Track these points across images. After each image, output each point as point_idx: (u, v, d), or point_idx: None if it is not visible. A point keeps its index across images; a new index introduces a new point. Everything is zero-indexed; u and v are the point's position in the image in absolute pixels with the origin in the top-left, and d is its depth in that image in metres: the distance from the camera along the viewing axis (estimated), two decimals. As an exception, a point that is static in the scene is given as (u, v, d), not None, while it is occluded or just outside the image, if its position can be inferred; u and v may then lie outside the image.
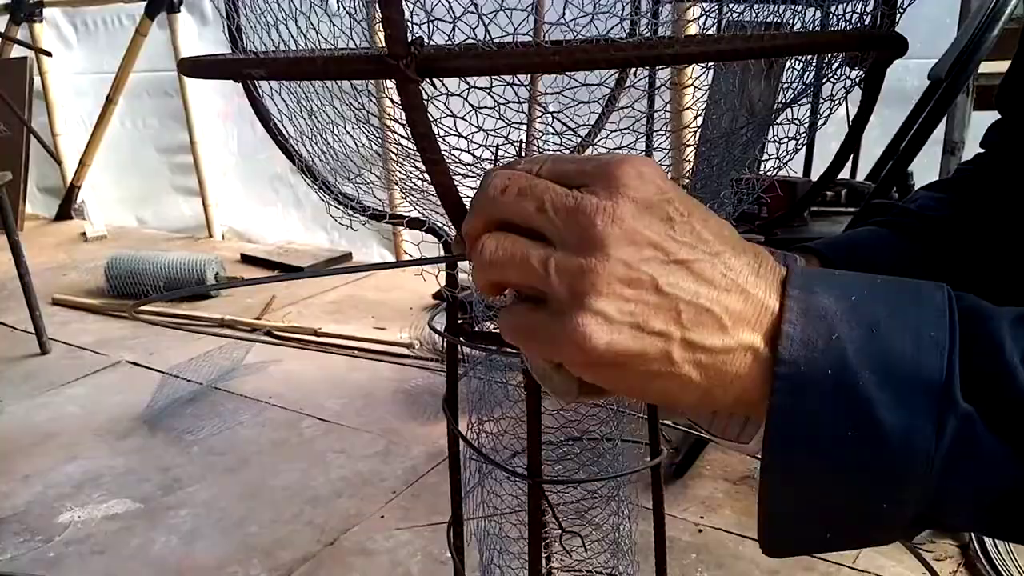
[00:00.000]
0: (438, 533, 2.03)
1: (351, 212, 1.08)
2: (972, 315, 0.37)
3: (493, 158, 0.78)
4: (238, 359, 3.04)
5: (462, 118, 0.70)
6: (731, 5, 0.85)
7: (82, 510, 2.23)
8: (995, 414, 0.35)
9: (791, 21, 0.76)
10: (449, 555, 1.97)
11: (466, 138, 0.74)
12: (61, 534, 2.13)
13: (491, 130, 0.71)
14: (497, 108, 0.72)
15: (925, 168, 2.07)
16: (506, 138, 0.72)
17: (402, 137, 0.80)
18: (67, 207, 5.64)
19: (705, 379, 0.38)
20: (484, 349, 1.01)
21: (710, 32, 0.81)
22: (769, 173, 0.91)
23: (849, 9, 0.72)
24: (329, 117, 0.88)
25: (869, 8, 0.72)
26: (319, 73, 0.59)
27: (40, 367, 3.19)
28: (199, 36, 4.79)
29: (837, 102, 0.79)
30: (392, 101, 0.70)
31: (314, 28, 0.75)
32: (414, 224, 1.06)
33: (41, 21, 5.35)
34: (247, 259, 4.49)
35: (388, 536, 2.04)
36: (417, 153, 0.80)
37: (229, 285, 3.35)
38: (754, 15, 0.81)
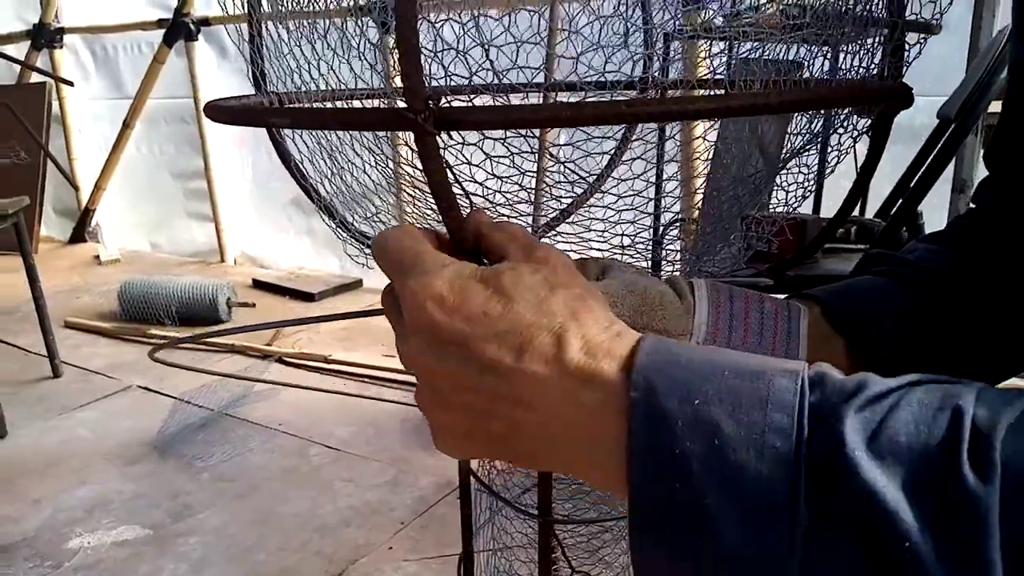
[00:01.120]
0: (447, 566, 2.03)
1: (367, 251, 1.10)
2: (822, 408, 0.35)
3: (506, 203, 0.80)
4: (248, 386, 3.06)
5: (477, 165, 0.72)
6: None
7: (92, 536, 2.23)
8: (841, 516, 0.34)
9: (803, 59, 0.77)
10: (457, 587, 1.97)
11: (480, 183, 0.76)
12: (70, 560, 2.14)
13: (504, 177, 0.73)
14: (510, 156, 0.74)
15: (934, 207, 2.09)
16: (520, 184, 0.74)
17: (417, 180, 0.82)
18: (81, 230, 5.70)
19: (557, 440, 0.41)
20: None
21: (720, 70, 0.83)
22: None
23: (859, 55, 0.74)
24: (348, 159, 0.90)
25: (877, 60, 0.74)
26: (341, 124, 0.61)
27: (52, 390, 3.21)
28: (218, 67, 4.85)
29: (844, 152, 0.80)
30: (409, 148, 0.72)
31: (335, 72, 0.77)
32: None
33: (61, 47, 5.44)
34: (259, 284, 4.53)
35: (396, 568, 2.04)
36: (431, 197, 0.82)
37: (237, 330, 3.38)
38: (764, 52, 0.83)
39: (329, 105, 0.86)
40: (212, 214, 5.10)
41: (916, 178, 1.81)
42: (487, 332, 0.41)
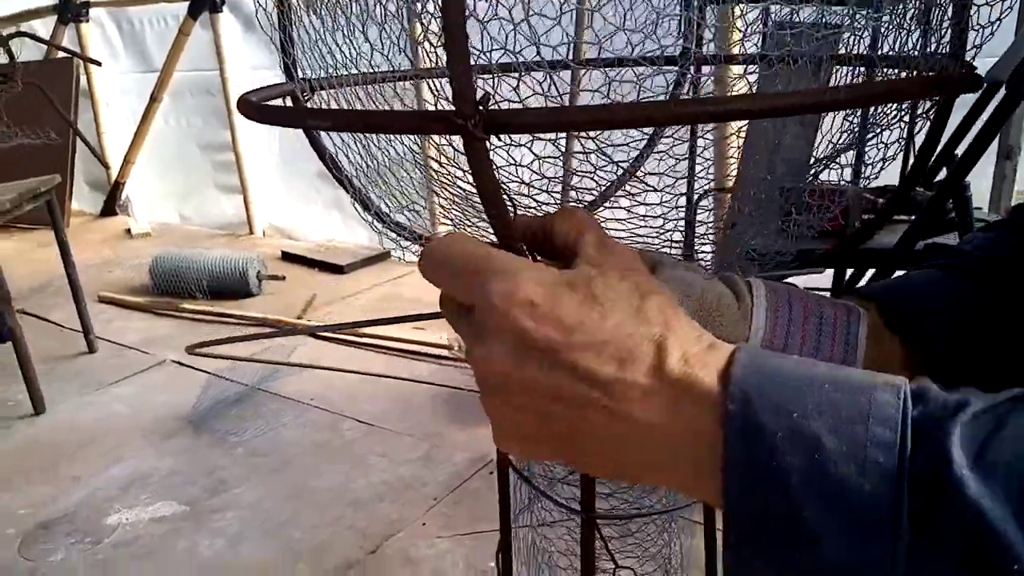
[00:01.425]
0: (480, 542, 2.03)
1: (403, 240, 1.07)
2: (925, 423, 0.35)
3: (555, 203, 0.76)
4: (283, 358, 3.07)
5: (526, 166, 0.69)
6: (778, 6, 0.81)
7: (130, 512, 2.26)
8: (946, 533, 0.33)
9: (843, 20, 0.72)
10: (492, 565, 1.97)
11: (528, 184, 0.73)
12: (110, 536, 2.16)
13: (553, 178, 0.70)
14: (560, 158, 0.71)
15: (975, 174, 2.01)
16: (571, 186, 0.71)
17: (458, 181, 0.79)
18: (112, 203, 5.74)
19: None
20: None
21: (754, 34, 0.78)
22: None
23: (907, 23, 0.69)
24: (388, 158, 0.87)
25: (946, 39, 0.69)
26: (384, 128, 0.58)
27: (87, 366, 3.25)
28: (243, 39, 4.82)
29: (889, 156, 0.76)
30: (455, 150, 0.69)
31: (365, 57, 0.74)
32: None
33: (87, 21, 5.44)
34: (288, 256, 4.53)
35: (430, 544, 2.04)
36: (476, 197, 0.79)
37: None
38: (803, 15, 0.77)
39: (362, 91, 0.83)
40: (240, 186, 5.11)
41: (963, 146, 1.74)
42: (585, 341, 0.39)
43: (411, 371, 3.03)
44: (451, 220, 0.95)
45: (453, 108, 0.45)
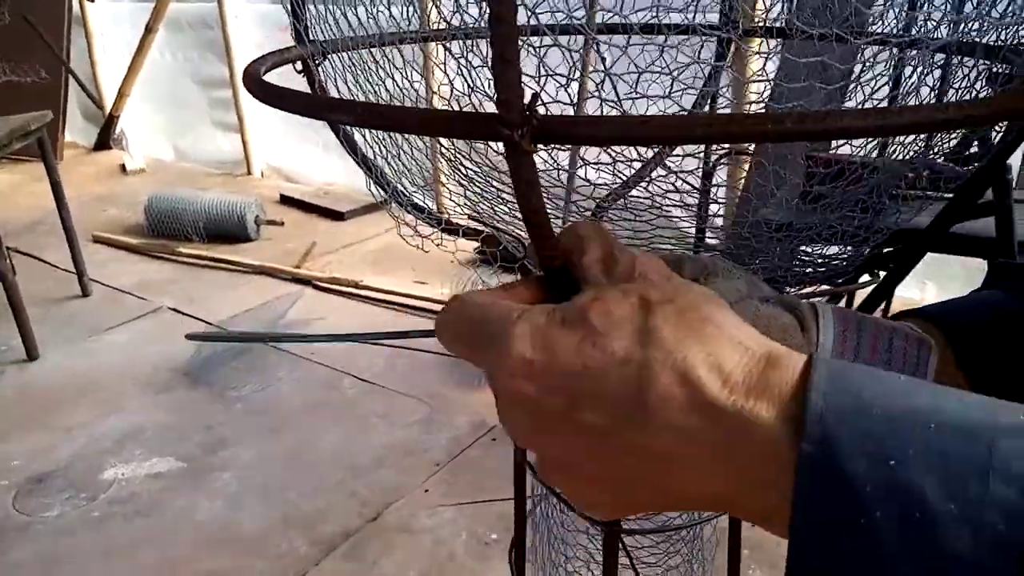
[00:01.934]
0: (482, 511, 2.00)
1: (424, 221, 1.00)
2: None
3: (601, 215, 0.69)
4: (281, 313, 3.01)
5: (579, 174, 0.61)
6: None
7: (125, 467, 2.22)
8: None
9: None
10: (494, 537, 1.94)
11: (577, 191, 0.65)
12: (106, 491, 2.13)
13: (602, 185, 0.63)
14: (614, 165, 0.63)
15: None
16: (620, 195, 0.64)
17: (497, 186, 0.71)
18: (106, 137, 5.60)
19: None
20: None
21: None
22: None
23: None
24: (413, 147, 0.79)
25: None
26: (415, 128, 0.50)
27: (81, 310, 3.18)
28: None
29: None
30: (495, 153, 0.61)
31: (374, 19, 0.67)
32: (491, 242, 0.98)
33: (79, -55, 5.22)
34: (286, 200, 4.43)
35: (431, 513, 2.01)
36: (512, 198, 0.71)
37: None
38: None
39: (378, 53, 0.75)
40: (238, 124, 4.97)
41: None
42: (593, 389, 0.33)
43: (414, 326, 2.97)
44: (479, 214, 0.87)
45: (496, 112, 0.38)
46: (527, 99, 0.37)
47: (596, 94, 0.47)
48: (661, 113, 0.59)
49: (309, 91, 0.90)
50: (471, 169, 0.68)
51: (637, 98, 0.53)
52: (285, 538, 1.94)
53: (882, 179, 0.90)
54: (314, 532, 1.96)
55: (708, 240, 0.93)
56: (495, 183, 0.67)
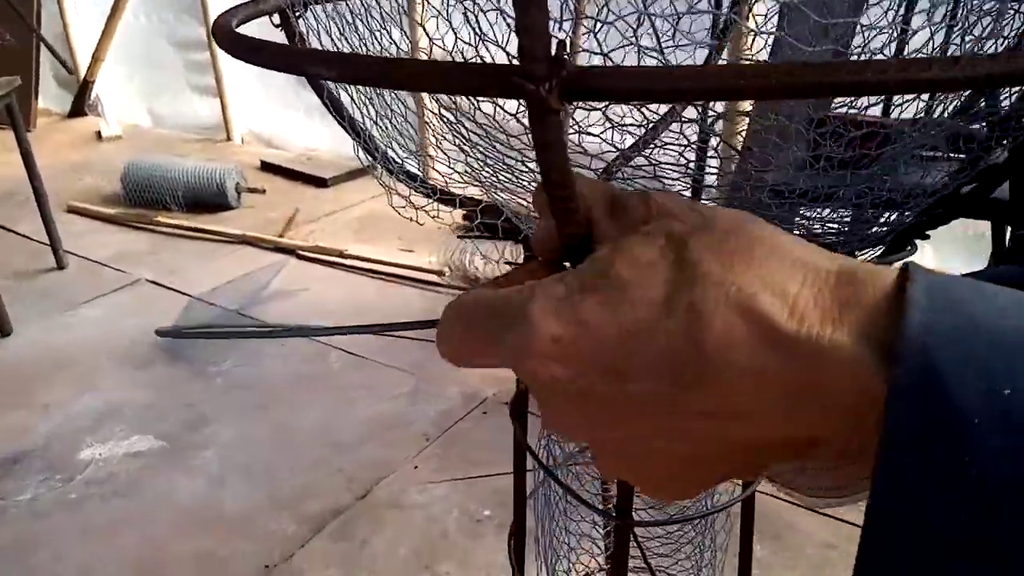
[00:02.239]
0: (474, 488, 1.94)
1: (417, 190, 0.91)
2: None
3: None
4: (263, 284, 2.92)
5: (600, 136, 0.53)
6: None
7: (103, 446, 2.14)
8: None
9: None
10: (487, 513, 1.88)
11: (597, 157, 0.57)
12: (82, 472, 2.05)
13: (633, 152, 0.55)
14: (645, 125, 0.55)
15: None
16: (655, 161, 0.55)
17: (513, 150, 0.63)
18: (81, 103, 5.43)
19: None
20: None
21: None
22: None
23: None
24: (405, 106, 0.71)
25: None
26: (414, 83, 0.41)
27: (56, 283, 3.08)
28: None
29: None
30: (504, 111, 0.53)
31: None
32: (490, 212, 0.90)
33: (47, -99, 5.02)
34: (268, 167, 4.31)
35: (422, 489, 1.95)
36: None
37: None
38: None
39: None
40: (217, 88, 4.82)
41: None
42: (639, 353, 0.28)
43: (401, 298, 2.89)
44: (480, 182, 0.79)
45: (516, 63, 0.30)
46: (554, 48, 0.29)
47: (631, 40, 0.39)
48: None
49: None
50: (474, 132, 0.59)
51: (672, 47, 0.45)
52: (271, 517, 1.88)
53: (914, 141, 0.82)
54: (301, 511, 1.89)
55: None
56: (500, 147, 0.58)
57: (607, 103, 0.53)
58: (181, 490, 1.98)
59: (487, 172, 0.75)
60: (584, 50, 0.46)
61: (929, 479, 0.23)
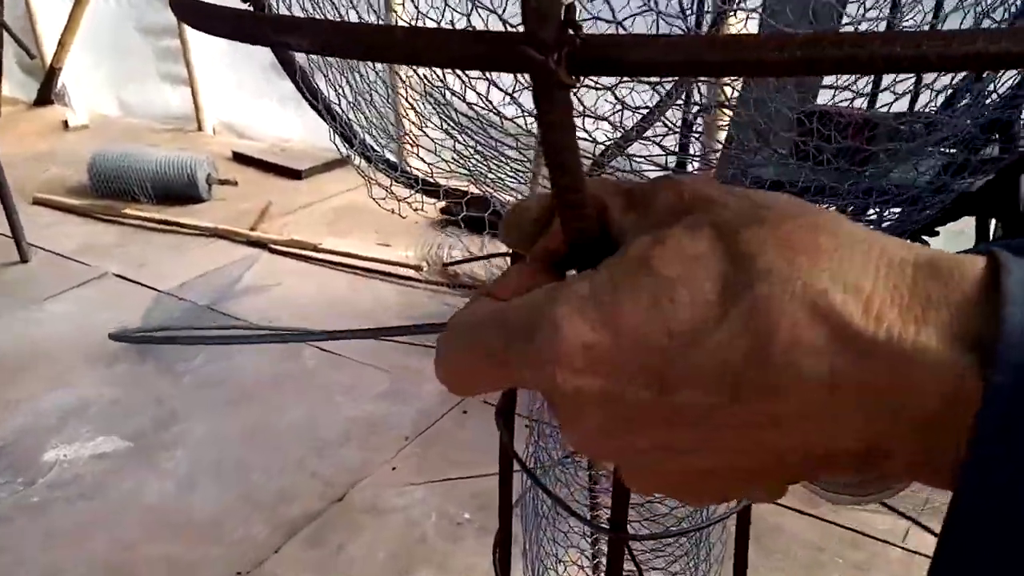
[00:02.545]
0: (455, 490, 1.89)
1: (398, 180, 0.86)
2: None
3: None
4: (235, 278, 2.84)
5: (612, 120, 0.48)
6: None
7: (68, 447, 2.07)
8: None
9: None
10: (467, 516, 1.83)
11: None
12: (45, 475, 1.97)
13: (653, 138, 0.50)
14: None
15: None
16: (666, 149, 0.51)
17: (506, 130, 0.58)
18: (47, 91, 5.28)
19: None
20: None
21: None
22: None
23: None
24: (387, 86, 0.65)
25: None
26: (401, 54, 0.35)
27: (20, 277, 2.98)
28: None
29: None
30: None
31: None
32: (477, 204, 0.84)
33: None
34: (240, 158, 4.22)
35: (400, 492, 1.89)
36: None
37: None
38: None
39: None
40: (187, 76, 4.71)
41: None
42: (688, 359, 0.24)
43: (375, 293, 2.83)
44: (469, 171, 0.73)
45: (522, 30, 0.26)
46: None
47: (648, 4, 0.34)
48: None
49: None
50: (463, 114, 0.54)
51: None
52: (242, 522, 1.81)
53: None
54: (274, 515, 1.83)
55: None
56: (495, 131, 0.53)
57: (621, 80, 0.48)
58: (149, 492, 1.91)
59: (476, 159, 0.69)
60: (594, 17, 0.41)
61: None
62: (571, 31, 0.26)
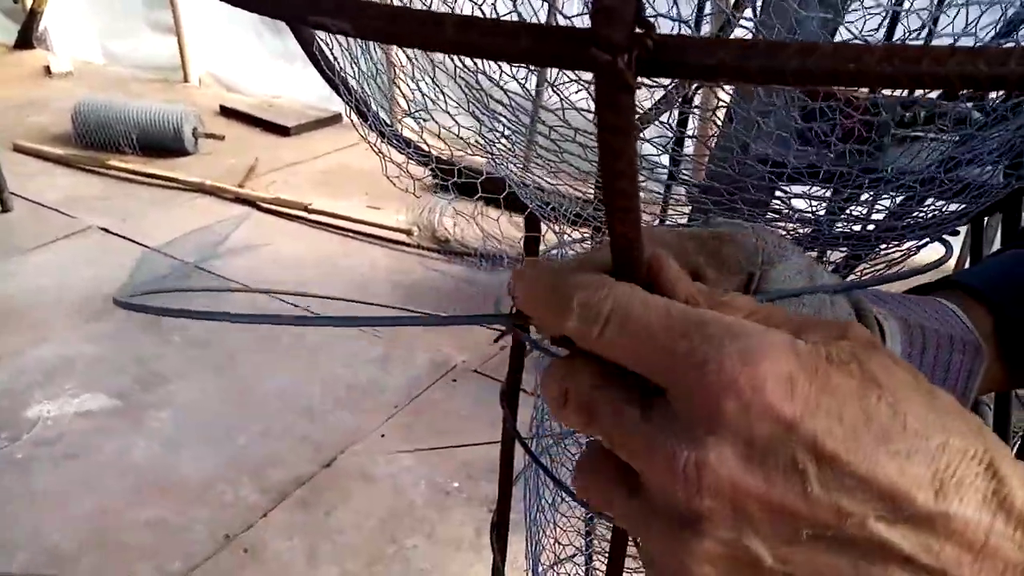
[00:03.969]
0: (443, 459, 1.89)
1: (411, 157, 0.83)
2: None
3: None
4: (223, 236, 2.80)
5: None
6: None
7: (52, 404, 2.04)
8: None
9: None
10: (456, 485, 1.84)
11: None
12: (30, 431, 1.95)
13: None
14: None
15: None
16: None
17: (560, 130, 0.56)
18: (28, 34, 5.15)
19: None
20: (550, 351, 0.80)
21: None
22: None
23: None
24: (416, 66, 0.63)
25: None
26: (449, 45, 0.33)
27: (1, 228, 2.92)
28: None
29: None
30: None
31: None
32: (491, 187, 0.82)
33: None
34: (227, 112, 4.15)
35: (390, 460, 1.89)
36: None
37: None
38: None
39: None
40: (175, 26, 4.60)
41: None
42: (882, 445, 0.24)
43: (366, 256, 2.80)
44: (491, 156, 0.71)
45: (588, 27, 0.24)
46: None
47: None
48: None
49: None
50: (498, 103, 0.52)
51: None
52: (231, 485, 1.80)
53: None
54: (263, 479, 1.82)
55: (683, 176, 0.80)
56: (523, 117, 0.51)
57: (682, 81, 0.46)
58: (136, 453, 1.89)
59: (502, 145, 0.67)
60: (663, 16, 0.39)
61: None
62: (645, 32, 0.24)
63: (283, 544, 1.67)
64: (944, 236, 0.84)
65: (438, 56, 0.65)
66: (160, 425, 1.98)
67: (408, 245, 2.85)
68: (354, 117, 0.79)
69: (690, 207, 0.81)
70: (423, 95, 0.68)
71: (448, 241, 2.80)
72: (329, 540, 1.68)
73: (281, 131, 3.93)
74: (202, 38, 4.62)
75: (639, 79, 0.27)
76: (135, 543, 1.65)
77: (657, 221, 0.84)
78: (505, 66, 0.51)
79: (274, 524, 1.71)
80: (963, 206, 0.73)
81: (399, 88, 0.75)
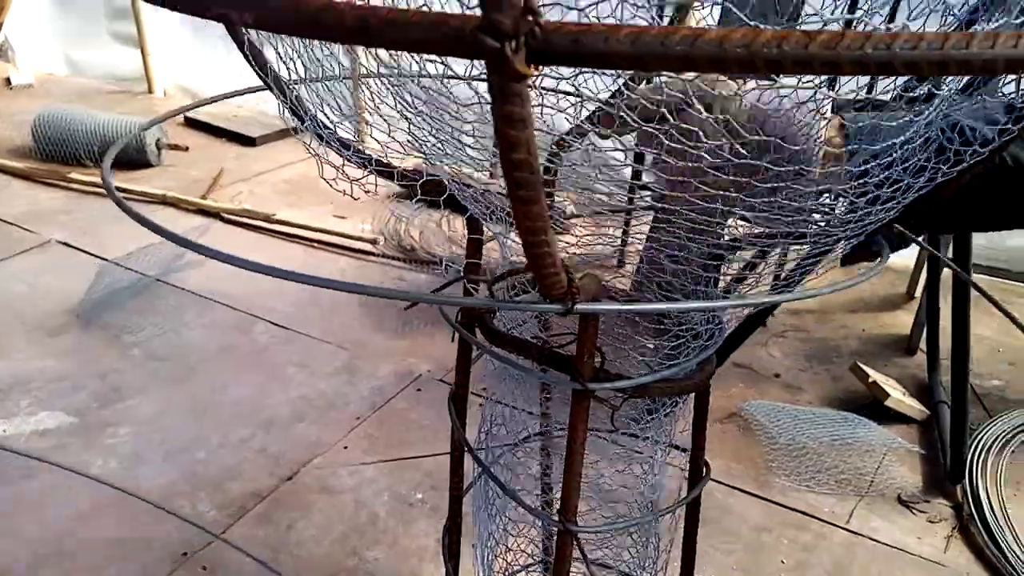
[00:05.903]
0: (407, 471, 1.87)
1: (350, 160, 0.83)
2: None
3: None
4: (181, 248, 2.76)
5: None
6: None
7: (8, 423, 2.00)
8: None
9: None
10: (419, 497, 1.82)
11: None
12: (-16, 450, 1.91)
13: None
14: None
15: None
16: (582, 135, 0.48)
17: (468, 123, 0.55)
18: (-12, 46, 5.08)
19: None
20: (504, 358, 0.79)
21: None
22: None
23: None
24: (336, 61, 0.62)
25: None
26: (350, 34, 0.33)
27: (-42, 242, 2.87)
28: None
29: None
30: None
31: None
32: (431, 188, 0.82)
33: None
34: (192, 123, 4.11)
35: (352, 472, 1.87)
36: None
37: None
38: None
39: None
40: (138, 36, 4.55)
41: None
42: None
43: (332, 266, 2.78)
44: (424, 155, 0.71)
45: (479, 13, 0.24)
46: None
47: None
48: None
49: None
50: (417, 97, 0.51)
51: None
52: (190, 500, 1.78)
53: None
54: (223, 494, 1.80)
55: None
56: (450, 117, 0.51)
57: (581, 70, 0.46)
58: (93, 470, 1.86)
59: (432, 143, 0.67)
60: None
61: None
62: (530, 18, 0.24)
63: (243, 560, 1.64)
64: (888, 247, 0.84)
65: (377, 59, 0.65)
66: (118, 442, 1.95)
67: (374, 255, 2.83)
68: (288, 116, 0.78)
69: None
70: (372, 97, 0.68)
71: (414, 249, 2.79)
72: (290, 555, 1.66)
73: (246, 141, 3.90)
74: (167, 49, 4.58)
75: (533, 67, 0.26)
76: (91, 563, 1.62)
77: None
78: (417, 58, 0.50)
79: (235, 540, 1.68)
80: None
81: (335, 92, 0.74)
